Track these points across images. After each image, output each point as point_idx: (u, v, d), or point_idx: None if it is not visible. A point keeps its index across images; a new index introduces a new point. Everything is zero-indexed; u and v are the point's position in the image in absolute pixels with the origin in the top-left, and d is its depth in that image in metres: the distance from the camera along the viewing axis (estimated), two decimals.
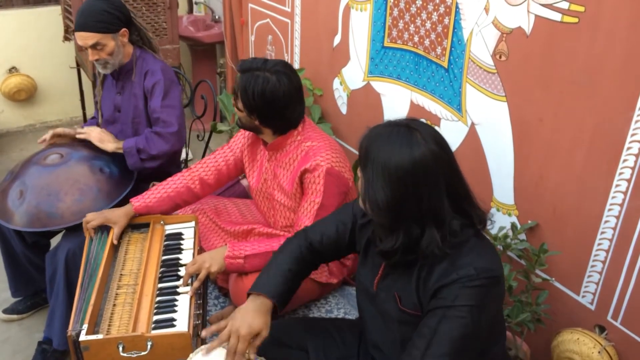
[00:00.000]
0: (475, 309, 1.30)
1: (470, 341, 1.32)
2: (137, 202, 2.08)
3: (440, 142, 1.35)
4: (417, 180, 1.30)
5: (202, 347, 1.52)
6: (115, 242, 1.96)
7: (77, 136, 2.42)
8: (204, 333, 1.56)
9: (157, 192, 2.12)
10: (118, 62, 2.36)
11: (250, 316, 1.48)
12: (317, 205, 1.93)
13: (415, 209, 1.32)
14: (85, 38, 2.26)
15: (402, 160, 1.30)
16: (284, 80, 1.92)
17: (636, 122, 1.55)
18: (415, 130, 1.34)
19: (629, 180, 1.60)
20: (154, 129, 2.37)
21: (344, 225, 1.63)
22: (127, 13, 2.35)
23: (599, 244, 1.71)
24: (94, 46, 2.27)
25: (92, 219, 2.00)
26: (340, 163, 1.97)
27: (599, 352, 1.67)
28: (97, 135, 2.38)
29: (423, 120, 2.26)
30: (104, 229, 2.02)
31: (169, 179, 2.17)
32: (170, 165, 2.50)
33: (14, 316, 2.49)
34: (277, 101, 1.92)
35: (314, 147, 1.98)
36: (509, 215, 1.98)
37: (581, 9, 1.62)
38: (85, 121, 2.73)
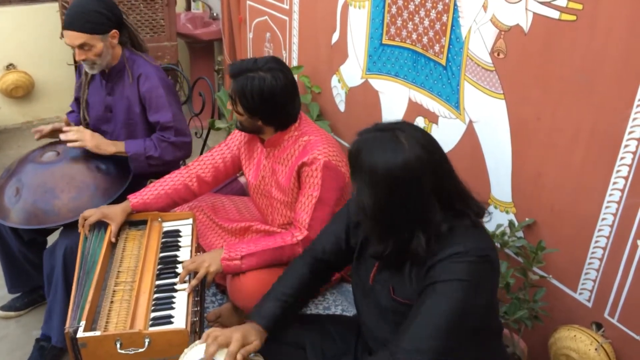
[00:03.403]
0: (465, 283, 1.30)
1: (461, 318, 1.30)
2: (134, 198, 2.08)
3: (426, 144, 1.35)
4: (401, 185, 1.31)
5: (197, 341, 1.52)
6: (113, 240, 1.96)
7: (71, 145, 2.29)
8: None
9: (154, 189, 2.12)
10: (106, 63, 2.31)
11: (246, 328, 1.53)
12: (314, 199, 1.93)
13: (403, 214, 1.33)
14: (73, 38, 2.20)
15: (386, 166, 1.31)
16: (279, 76, 1.92)
17: (634, 119, 1.55)
18: (401, 134, 1.34)
19: (626, 178, 1.60)
20: (168, 137, 2.35)
21: (342, 228, 1.64)
22: (118, 14, 2.30)
23: (596, 242, 1.71)
24: (81, 46, 2.22)
25: (90, 215, 2.00)
26: (337, 157, 1.98)
27: (595, 349, 1.68)
28: (92, 143, 2.30)
29: (421, 118, 2.26)
30: (100, 225, 2.02)
31: (167, 176, 2.17)
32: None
33: (11, 313, 2.49)
34: (276, 98, 1.92)
35: (311, 141, 1.99)
36: (507, 212, 1.98)
37: (579, 6, 1.62)
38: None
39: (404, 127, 1.37)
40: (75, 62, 2.45)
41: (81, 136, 2.30)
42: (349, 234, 1.62)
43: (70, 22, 2.20)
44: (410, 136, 1.34)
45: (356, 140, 1.40)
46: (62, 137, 2.30)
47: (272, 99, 1.92)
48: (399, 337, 1.34)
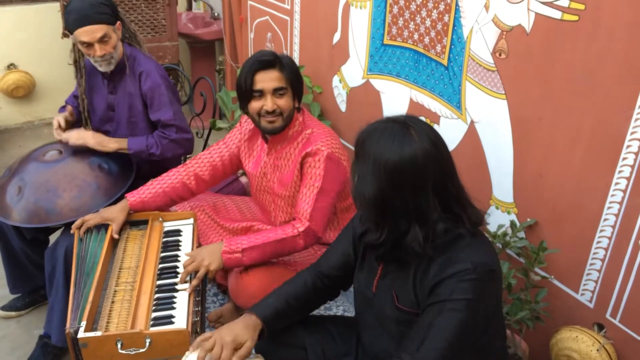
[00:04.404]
0: (472, 302, 1.30)
1: (467, 335, 1.32)
2: (132, 197, 2.08)
3: (434, 140, 1.35)
4: (405, 177, 1.31)
5: (189, 350, 1.51)
6: (115, 236, 1.96)
7: (72, 143, 2.33)
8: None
9: (152, 188, 2.11)
10: (118, 57, 2.33)
11: (239, 328, 1.51)
12: (316, 189, 1.93)
13: (402, 205, 1.33)
14: (93, 31, 2.19)
15: (392, 157, 1.31)
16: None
17: (636, 120, 1.55)
18: (411, 127, 1.34)
19: (628, 178, 1.60)
20: (170, 135, 2.37)
21: (348, 241, 1.63)
22: (115, 7, 2.34)
23: (598, 242, 1.71)
24: (102, 39, 2.21)
25: (90, 218, 2.00)
26: (339, 150, 1.99)
27: (597, 350, 1.67)
28: (93, 140, 2.33)
29: (422, 118, 2.26)
30: (100, 226, 2.02)
31: (164, 174, 2.17)
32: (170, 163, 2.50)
33: (12, 313, 2.48)
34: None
35: (315, 134, 2.01)
36: (508, 213, 1.98)
37: (581, 7, 1.62)
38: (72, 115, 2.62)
39: (414, 121, 1.37)
40: (75, 62, 2.44)
41: (83, 138, 2.34)
42: (356, 249, 1.60)
43: (85, 17, 2.19)
44: (420, 130, 1.34)
45: (364, 129, 1.40)
46: (63, 140, 2.35)
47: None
48: (410, 354, 1.33)
